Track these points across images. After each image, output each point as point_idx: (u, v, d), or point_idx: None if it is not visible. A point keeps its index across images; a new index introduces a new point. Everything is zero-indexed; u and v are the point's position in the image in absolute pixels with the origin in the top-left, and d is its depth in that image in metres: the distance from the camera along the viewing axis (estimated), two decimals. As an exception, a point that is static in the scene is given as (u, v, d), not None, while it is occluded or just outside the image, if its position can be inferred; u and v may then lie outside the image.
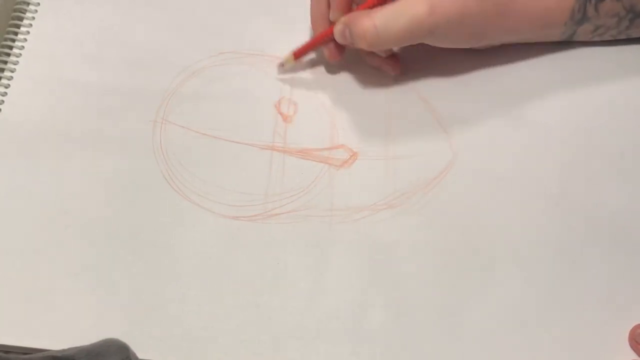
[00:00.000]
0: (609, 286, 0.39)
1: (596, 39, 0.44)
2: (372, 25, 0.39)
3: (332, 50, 0.43)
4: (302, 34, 0.46)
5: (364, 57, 0.45)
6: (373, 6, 0.41)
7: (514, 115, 0.44)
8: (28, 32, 0.46)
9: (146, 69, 0.45)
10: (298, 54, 0.43)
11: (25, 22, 0.47)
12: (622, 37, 0.44)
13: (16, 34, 0.46)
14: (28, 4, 0.47)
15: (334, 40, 0.43)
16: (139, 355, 0.33)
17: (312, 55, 0.46)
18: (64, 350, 0.32)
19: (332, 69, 0.46)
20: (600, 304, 0.39)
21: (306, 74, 0.46)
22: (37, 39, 0.46)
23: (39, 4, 0.47)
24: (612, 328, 0.38)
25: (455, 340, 0.37)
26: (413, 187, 0.42)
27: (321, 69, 0.46)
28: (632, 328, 0.38)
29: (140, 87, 0.45)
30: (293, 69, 0.43)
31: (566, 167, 0.43)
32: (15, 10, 0.47)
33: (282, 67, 0.44)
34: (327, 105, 0.45)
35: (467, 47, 0.43)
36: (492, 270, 0.39)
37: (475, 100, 0.45)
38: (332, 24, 0.43)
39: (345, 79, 0.46)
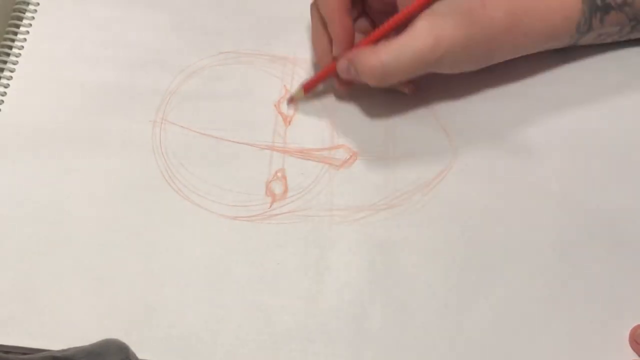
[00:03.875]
0: (609, 286, 0.39)
1: (597, 42, 0.44)
2: (379, 61, 0.38)
3: (340, 82, 0.43)
4: (301, 34, 0.46)
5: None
6: (376, 41, 0.40)
7: (515, 115, 0.44)
8: (27, 32, 0.46)
9: (146, 69, 0.45)
10: (307, 88, 0.43)
11: (25, 22, 0.47)
12: (623, 39, 0.45)
13: (16, 33, 0.46)
14: (27, 3, 0.47)
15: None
16: (139, 355, 0.33)
17: (310, 55, 0.46)
18: (63, 350, 0.32)
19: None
20: (601, 304, 0.39)
21: (306, 74, 0.46)
22: (36, 39, 0.46)
23: (38, 4, 0.47)
24: (612, 328, 0.38)
25: (455, 340, 0.37)
26: (413, 187, 0.42)
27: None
28: (633, 328, 0.38)
29: (140, 87, 0.45)
30: (303, 100, 0.44)
31: (567, 167, 0.43)
32: (14, 10, 0.47)
33: (292, 100, 0.43)
34: (327, 106, 0.45)
35: (474, 69, 0.42)
36: (492, 270, 0.39)
37: (475, 99, 0.45)
38: (335, 58, 0.42)
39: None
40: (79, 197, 0.40)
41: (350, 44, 0.41)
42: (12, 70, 0.45)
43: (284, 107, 0.45)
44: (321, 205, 0.41)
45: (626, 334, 0.38)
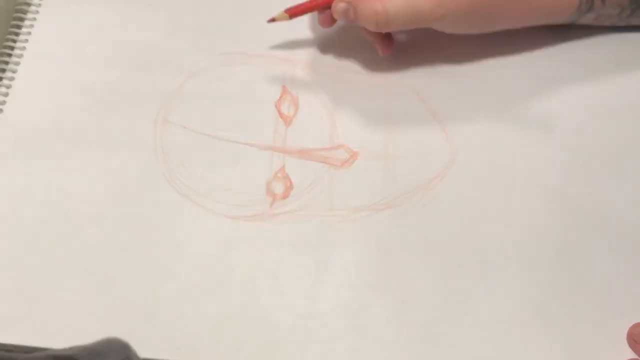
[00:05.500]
0: (608, 286, 0.39)
1: (596, 24, 0.44)
2: (384, 9, 0.40)
3: (327, 18, 0.43)
4: (302, 34, 0.46)
5: (361, 31, 0.45)
6: None
7: (514, 115, 0.45)
8: (29, 33, 0.46)
9: (146, 69, 0.45)
10: (293, 14, 0.43)
11: (27, 23, 0.47)
12: (621, 24, 0.45)
13: (17, 34, 0.46)
14: (29, 4, 0.47)
15: (329, 8, 0.43)
16: (140, 355, 0.33)
17: (312, 55, 0.46)
18: (65, 349, 0.32)
19: (332, 69, 0.46)
20: (600, 304, 0.39)
21: (306, 74, 0.46)
22: (38, 39, 0.46)
23: (40, 5, 0.48)
24: (611, 328, 0.38)
25: (455, 340, 0.37)
26: (413, 187, 0.42)
27: (321, 69, 0.46)
28: (631, 327, 0.38)
29: (140, 88, 0.45)
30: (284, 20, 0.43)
31: (566, 167, 0.43)
32: (16, 11, 0.47)
33: (274, 20, 0.43)
34: (327, 105, 0.45)
35: (474, 32, 0.43)
36: (492, 270, 0.39)
37: (475, 100, 0.45)
38: None
39: (345, 79, 0.46)
40: (80, 197, 0.40)
41: None
42: (14, 71, 0.45)
43: (284, 107, 0.45)
44: (321, 205, 0.41)
45: (624, 333, 0.38)
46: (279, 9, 0.48)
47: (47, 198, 0.40)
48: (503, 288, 0.39)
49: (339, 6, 0.41)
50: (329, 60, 0.46)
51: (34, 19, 0.47)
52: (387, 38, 0.45)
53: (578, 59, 0.47)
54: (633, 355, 0.37)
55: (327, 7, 0.42)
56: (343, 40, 0.47)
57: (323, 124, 0.44)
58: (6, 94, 0.44)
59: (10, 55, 0.45)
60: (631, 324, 0.38)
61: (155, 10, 0.48)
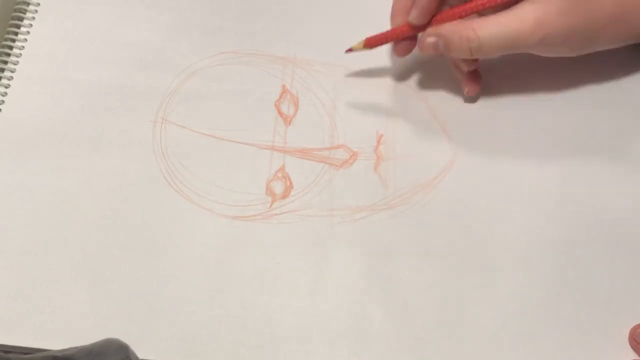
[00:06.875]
0: (609, 286, 0.39)
1: None
2: (476, 36, 0.38)
3: (405, 48, 0.41)
4: (302, 34, 0.46)
5: (450, 64, 0.43)
6: (466, 15, 0.39)
7: (514, 115, 0.44)
8: (28, 33, 0.46)
9: (146, 69, 0.45)
10: (371, 45, 0.41)
11: (26, 22, 0.47)
12: None
13: (16, 34, 0.46)
14: (28, 4, 0.47)
15: (408, 38, 0.41)
16: (139, 355, 0.33)
17: (312, 54, 0.46)
18: (64, 350, 0.32)
19: (332, 69, 0.46)
20: (600, 304, 0.39)
21: (306, 74, 0.46)
22: (37, 39, 0.46)
23: (39, 4, 0.48)
24: (612, 328, 0.38)
25: (455, 340, 0.37)
26: (413, 187, 0.42)
27: (321, 69, 0.46)
28: (632, 328, 0.38)
29: (140, 87, 0.45)
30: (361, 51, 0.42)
31: (566, 167, 0.43)
32: (15, 11, 0.47)
33: (351, 50, 0.42)
34: (327, 105, 0.45)
35: (572, 55, 0.41)
36: (492, 271, 0.39)
37: (475, 100, 0.45)
38: (411, 25, 0.41)
39: (345, 79, 0.46)
40: (79, 197, 0.40)
41: (431, 16, 0.39)
42: (12, 71, 0.45)
43: (284, 106, 0.45)
44: (321, 205, 0.41)
45: (626, 333, 0.38)
46: (278, 8, 0.48)
47: (46, 198, 0.40)
48: (503, 288, 0.39)
49: (427, 41, 0.39)
50: (329, 60, 0.46)
51: (33, 18, 0.47)
52: (475, 76, 0.43)
53: (580, 66, 0.46)
54: (635, 356, 0.37)
55: (407, 38, 0.41)
56: (343, 40, 0.47)
57: (323, 124, 0.44)
58: (5, 94, 0.44)
59: (9, 54, 0.45)
60: (633, 325, 0.38)
61: (155, 9, 0.48)
